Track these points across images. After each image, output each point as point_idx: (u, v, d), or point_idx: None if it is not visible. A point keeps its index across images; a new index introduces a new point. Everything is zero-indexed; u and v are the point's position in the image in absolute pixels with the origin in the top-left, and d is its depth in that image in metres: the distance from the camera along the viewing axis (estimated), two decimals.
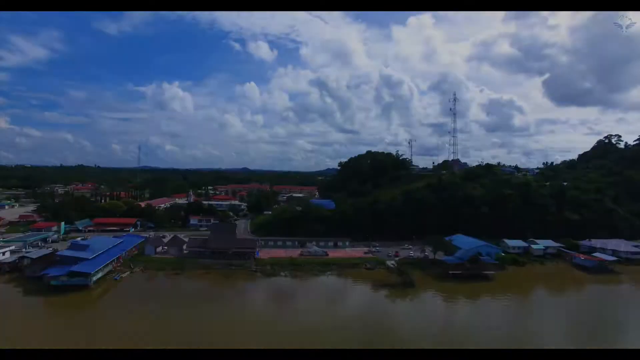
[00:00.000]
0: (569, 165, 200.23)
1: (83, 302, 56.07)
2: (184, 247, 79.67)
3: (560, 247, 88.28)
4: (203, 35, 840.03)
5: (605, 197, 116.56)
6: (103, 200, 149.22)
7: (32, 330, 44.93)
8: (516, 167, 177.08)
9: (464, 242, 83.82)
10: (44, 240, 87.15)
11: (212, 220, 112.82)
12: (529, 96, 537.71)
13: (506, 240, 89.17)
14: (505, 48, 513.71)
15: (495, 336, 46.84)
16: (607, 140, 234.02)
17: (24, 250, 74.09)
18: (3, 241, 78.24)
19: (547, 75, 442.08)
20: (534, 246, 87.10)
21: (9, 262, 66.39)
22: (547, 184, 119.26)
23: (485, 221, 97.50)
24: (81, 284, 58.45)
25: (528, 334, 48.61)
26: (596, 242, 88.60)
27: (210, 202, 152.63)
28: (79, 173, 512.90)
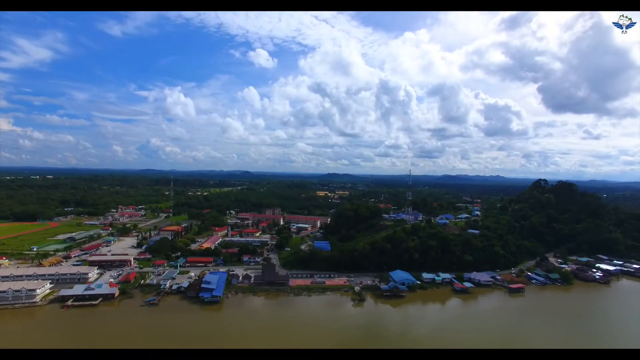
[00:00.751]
0: (501, 207, 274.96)
1: (219, 307, 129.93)
2: (252, 279, 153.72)
3: (452, 278, 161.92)
4: (208, 38, 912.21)
5: (495, 242, 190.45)
6: (176, 239, 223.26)
7: (210, 317, 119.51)
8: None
9: (398, 275, 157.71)
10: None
11: (256, 258, 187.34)
12: (526, 103, 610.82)
13: (423, 274, 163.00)
14: (498, 57, 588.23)
15: (383, 315, 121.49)
16: (538, 184, 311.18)
17: (175, 280, 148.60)
18: (165, 276, 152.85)
19: (540, 84, 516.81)
20: (437, 277, 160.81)
21: (175, 288, 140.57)
22: (459, 234, 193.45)
23: (416, 261, 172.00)
24: (216, 300, 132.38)
25: (400, 315, 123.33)
26: (471, 274, 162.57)
27: (247, 240, 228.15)
28: (100, 184, 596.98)
